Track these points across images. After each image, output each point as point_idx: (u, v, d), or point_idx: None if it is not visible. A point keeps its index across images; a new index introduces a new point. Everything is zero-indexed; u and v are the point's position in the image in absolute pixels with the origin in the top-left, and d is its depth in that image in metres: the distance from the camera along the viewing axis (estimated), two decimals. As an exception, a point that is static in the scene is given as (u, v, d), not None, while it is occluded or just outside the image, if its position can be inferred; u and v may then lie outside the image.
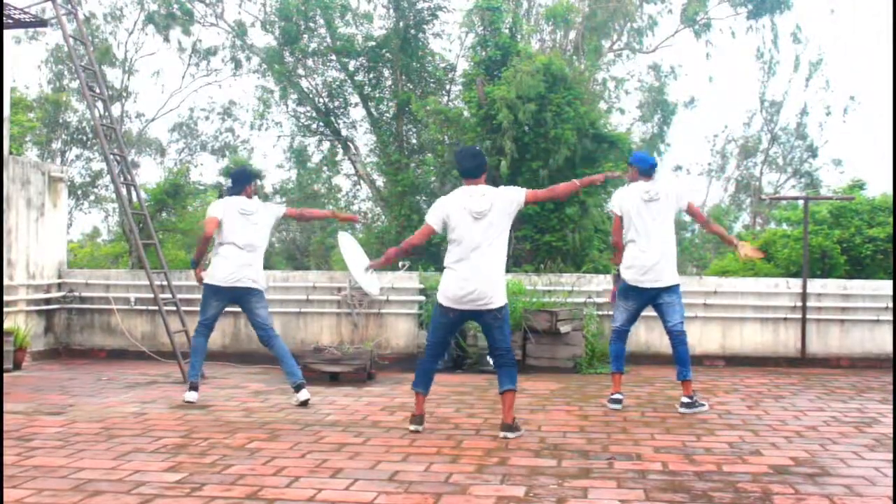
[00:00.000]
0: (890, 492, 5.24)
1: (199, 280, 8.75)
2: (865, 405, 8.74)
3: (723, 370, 11.91)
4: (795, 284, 12.63)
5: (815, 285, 12.62)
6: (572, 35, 20.20)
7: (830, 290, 12.63)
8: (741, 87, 51.57)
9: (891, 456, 6.25)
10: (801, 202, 15.43)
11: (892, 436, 7.05)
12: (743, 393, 9.61)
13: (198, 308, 12.66)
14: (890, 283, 12.58)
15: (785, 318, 12.52)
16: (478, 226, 6.93)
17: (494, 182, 15.11)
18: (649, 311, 8.82)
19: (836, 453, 6.36)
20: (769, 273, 15.85)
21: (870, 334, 12.43)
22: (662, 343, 12.42)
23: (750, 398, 9.20)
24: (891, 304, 12.35)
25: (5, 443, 6.56)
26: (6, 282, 12.11)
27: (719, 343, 12.56)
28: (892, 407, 8.56)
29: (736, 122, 45.07)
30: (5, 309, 11.98)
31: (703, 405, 8.30)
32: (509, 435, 6.88)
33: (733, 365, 12.34)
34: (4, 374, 10.90)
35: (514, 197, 7.02)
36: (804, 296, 12.43)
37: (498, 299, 6.96)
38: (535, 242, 14.70)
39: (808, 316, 12.44)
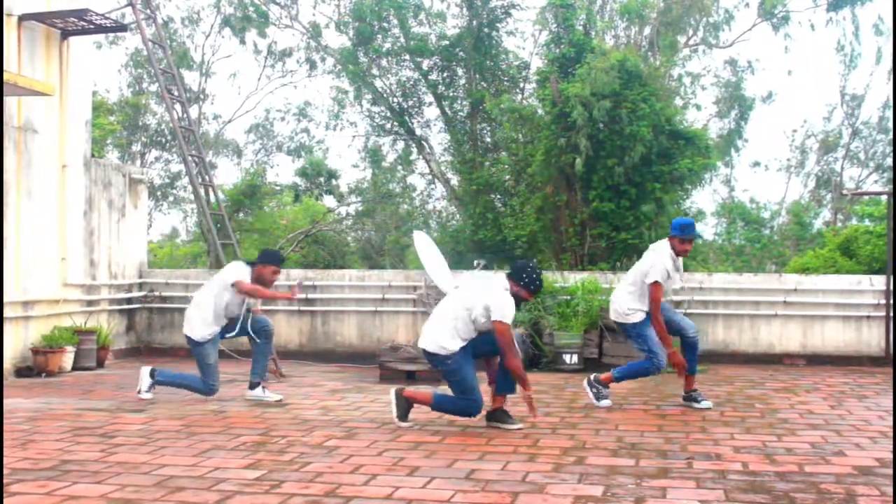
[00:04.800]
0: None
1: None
2: (953, 405, 8.52)
3: (804, 369, 11.70)
4: (879, 282, 12.37)
5: (899, 282, 12.34)
6: (647, 31, 19.94)
7: (916, 288, 12.35)
8: (821, 81, 50.48)
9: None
10: (884, 197, 15.11)
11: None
12: (825, 392, 9.44)
13: (276, 307, 12.87)
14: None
15: (868, 317, 12.27)
16: None
17: (568, 180, 15.11)
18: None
19: (923, 454, 6.20)
20: (851, 270, 15.54)
21: (957, 332, 12.11)
22: (742, 341, 12.31)
23: (832, 398, 9.03)
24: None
25: (90, 438, 6.72)
26: (89, 281, 12.39)
27: (800, 342, 12.35)
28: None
29: (816, 117, 44.25)
30: (89, 308, 12.26)
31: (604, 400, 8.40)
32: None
33: (814, 364, 12.13)
34: (88, 372, 11.23)
35: None
36: (888, 293, 12.16)
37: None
38: (611, 240, 14.55)
39: (892, 314, 12.16)
